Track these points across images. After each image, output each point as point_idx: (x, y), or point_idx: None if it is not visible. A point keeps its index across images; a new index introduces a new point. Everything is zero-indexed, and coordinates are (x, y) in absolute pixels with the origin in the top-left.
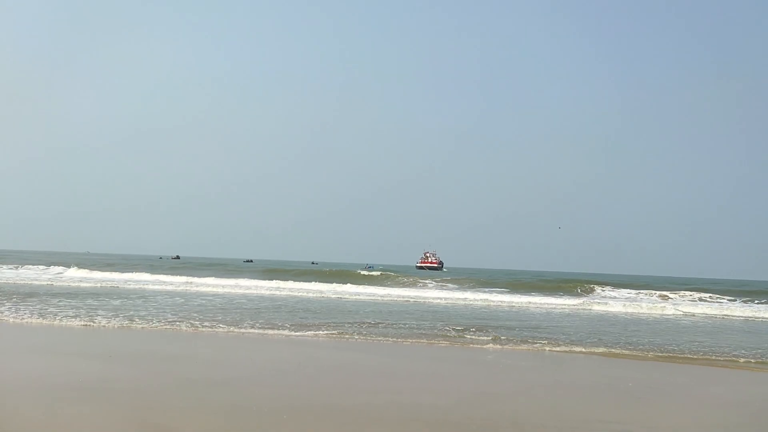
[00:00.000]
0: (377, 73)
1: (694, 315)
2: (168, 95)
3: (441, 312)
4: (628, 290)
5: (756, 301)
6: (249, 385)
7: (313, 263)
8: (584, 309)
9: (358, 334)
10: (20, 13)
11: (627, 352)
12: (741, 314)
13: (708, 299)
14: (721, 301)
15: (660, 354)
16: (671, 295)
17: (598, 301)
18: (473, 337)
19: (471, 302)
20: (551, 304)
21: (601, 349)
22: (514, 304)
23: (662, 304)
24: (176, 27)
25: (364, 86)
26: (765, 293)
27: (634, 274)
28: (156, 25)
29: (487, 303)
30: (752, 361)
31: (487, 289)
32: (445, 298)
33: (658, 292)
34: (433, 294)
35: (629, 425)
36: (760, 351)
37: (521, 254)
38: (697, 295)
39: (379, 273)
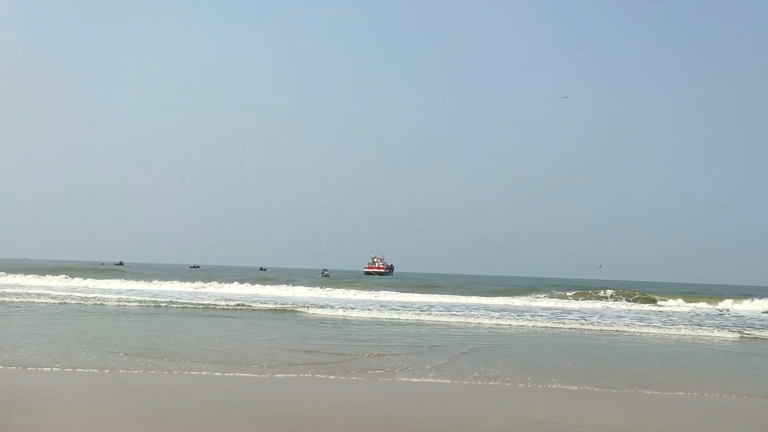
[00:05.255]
0: (333, 77)
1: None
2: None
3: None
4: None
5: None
6: (194, 392)
7: (261, 269)
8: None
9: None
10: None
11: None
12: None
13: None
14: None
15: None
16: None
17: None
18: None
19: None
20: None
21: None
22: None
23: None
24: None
25: (321, 89)
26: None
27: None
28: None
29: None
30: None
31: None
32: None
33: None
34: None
35: (563, 424)
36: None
37: (485, 259)
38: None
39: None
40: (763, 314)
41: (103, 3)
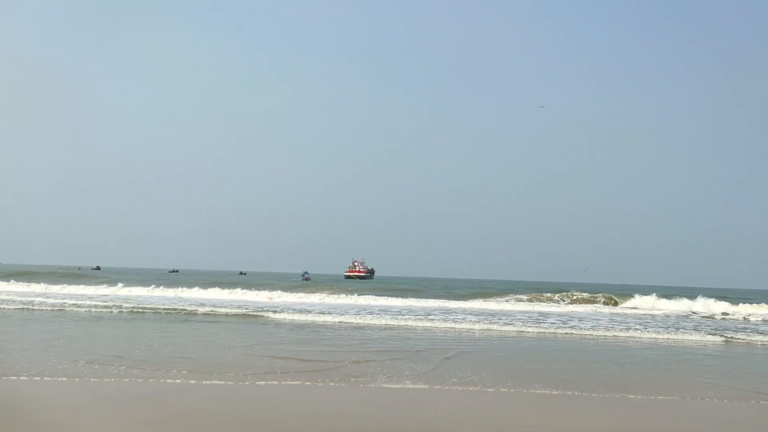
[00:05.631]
0: (318, 80)
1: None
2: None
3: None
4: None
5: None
6: (169, 399)
7: (241, 273)
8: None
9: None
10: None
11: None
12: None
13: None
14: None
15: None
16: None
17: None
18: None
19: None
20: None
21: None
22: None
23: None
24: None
25: (305, 92)
26: None
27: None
28: None
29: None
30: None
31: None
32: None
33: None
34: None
35: (539, 428)
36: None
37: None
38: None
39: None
40: (731, 314)
41: (102, 5)
